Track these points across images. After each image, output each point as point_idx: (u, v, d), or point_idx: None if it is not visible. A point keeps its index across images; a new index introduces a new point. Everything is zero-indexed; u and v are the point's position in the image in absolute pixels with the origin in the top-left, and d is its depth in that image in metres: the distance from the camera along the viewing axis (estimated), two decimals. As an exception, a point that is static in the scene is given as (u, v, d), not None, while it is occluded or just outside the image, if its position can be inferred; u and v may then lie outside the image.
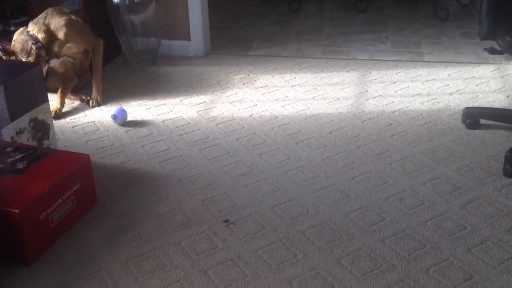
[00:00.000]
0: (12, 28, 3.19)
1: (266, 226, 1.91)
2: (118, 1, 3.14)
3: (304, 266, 1.72)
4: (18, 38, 2.73)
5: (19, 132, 2.17)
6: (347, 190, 2.09)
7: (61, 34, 2.75)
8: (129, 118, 2.70)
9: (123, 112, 2.64)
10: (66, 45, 2.79)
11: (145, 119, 2.70)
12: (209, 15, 3.47)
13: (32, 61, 2.71)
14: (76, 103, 2.89)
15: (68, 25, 2.77)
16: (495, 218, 1.92)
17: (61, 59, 2.81)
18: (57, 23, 2.76)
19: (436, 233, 1.85)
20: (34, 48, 2.69)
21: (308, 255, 1.77)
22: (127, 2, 3.15)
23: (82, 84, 3.01)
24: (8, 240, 1.75)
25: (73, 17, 2.83)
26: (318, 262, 1.74)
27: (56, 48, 2.76)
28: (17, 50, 2.72)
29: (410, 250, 1.78)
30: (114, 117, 2.62)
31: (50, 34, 2.74)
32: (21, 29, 2.77)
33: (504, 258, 1.73)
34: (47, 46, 2.74)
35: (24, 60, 2.72)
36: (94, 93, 2.88)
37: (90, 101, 2.86)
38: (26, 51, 2.70)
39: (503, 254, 1.75)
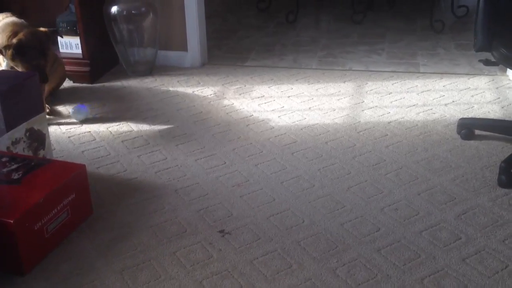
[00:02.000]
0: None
1: (261, 236, 1.91)
2: (115, 12, 3.16)
3: (299, 276, 1.72)
4: None
5: (15, 142, 2.17)
6: (343, 200, 2.10)
7: None
8: (125, 128, 2.71)
9: (84, 108, 2.74)
10: None
11: (141, 129, 2.70)
12: (206, 26, 3.49)
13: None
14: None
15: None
16: (490, 228, 1.92)
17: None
18: None
19: (431, 243, 1.85)
20: None
21: (304, 265, 1.77)
22: (124, 12, 3.17)
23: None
24: (3, 251, 1.74)
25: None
26: (313, 272, 1.74)
27: None
28: None
29: (405, 260, 1.78)
30: (77, 110, 2.71)
31: None
32: None
33: (499, 268, 1.74)
34: None
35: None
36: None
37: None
38: None
39: (498, 264, 1.75)
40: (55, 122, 2.78)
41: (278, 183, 2.22)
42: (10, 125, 2.14)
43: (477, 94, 2.96)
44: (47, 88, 2.82)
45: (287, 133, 2.62)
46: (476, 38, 2.27)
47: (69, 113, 2.69)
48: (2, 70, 2.72)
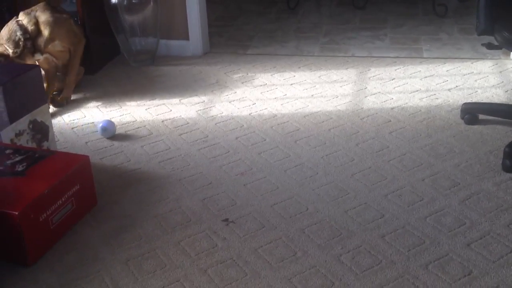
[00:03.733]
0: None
1: (265, 225, 1.92)
2: (116, 1, 3.15)
3: (304, 264, 1.73)
4: (6, 28, 2.67)
5: (19, 134, 2.18)
6: (346, 188, 2.10)
7: (47, 31, 2.70)
8: (129, 119, 2.70)
9: (111, 124, 2.54)
10: (52, 43, 2.75)
11: (144, 119, 2.70)
12: (207, 13, 3.47)
13: (18, 52, 2.65)
14: (75, 104, 2.89)
15: (57, 22, 2.73)
16: (494, 213, 1.92)
17: (45, 55, 2.77)
18: (46, 18, 2.72)
19: (435, 228, 1.85)
20: (22, 39, 2.65)
21: (308, 253, 1.77)
22: (125, 2, 3.15)
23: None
24: (9, 242, 1.75)
25: (64, 15, 2.81)
26: (317, 259, 1.74)
27: (41, 43, 2.72)
28: (4, 39, 2.66)
29: (410, 246, 1.78)
30: (104, 129, 2.51)
31: (38, 28, 2.71)
32: (13, 18, 2.73)
33: (504, 252, 1.74)
34: (34, 39, 2.71)
35: (10, 50, 2.65)
36: (65, 90, 2.85)
37: (60, 98, 2.83)
38: (13, 41, 2.63)
39: (503, 248, 1.75)
40: (59, 113, 2.79)
41: (282, 171, 2.22)
42: (13, 117, 2.14)
43: (480, 79, 2.94)
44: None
45: (290, 121, 2.62)
46: (478, 21, 2.25)
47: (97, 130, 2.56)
48: (4, 62, 2.72)
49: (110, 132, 2.52)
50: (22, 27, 2.67)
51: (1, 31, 2.69)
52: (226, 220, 1.95)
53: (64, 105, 2.84)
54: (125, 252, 1.82)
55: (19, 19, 2.71)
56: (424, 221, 1.89)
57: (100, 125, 2.51)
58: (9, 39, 2.65)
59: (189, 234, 1.89)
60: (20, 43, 2.65)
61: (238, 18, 4.12)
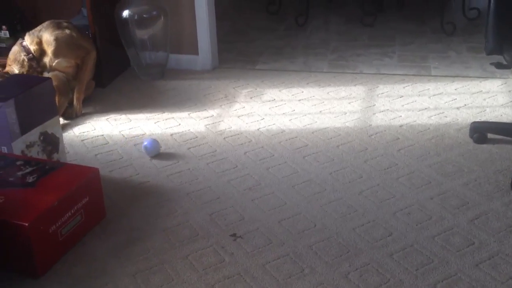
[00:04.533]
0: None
1: (273, 240, 1.92)
2: (127, 16, 3.18)
3: (312, 281, 1.72)
4: (12, 49, 2.77)
5: (29, 146, 2.19)
6: (355, 205, 2.10)
7: (50, 49, 2.78)
8: (138, 132, 2.72)
9: (155, 143, 2.50)
10: (56, 60, 2.81)
11: (153, 132, 2.71)
12: (216, 29, 3.50)
13: (24, 72, 2.73)
14: (85, 117, 2.91)
15: (58, 40, 2.79)
16: (503, 233, 1.91)
17: (53, 72, 2.81)
18: (48, 37, 2.79)
19: (444, 248, 1.85)
20: (26, 59, 2.73)
21: (316, 270, 1.77)
22: (136, 16, 3.19)
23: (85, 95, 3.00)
24: (18, 253, 1.76)
25: (66, 31, 2.84)
26: (325, 276, 1.74)
27: (47, 62, 2.79)
28: (11, 60, 2.74)
29: (418, 265, 1.77)
30: (146, 148, 2.48)
31: (41, 47, 2.78)
32: (19, 40, 2.81)
33: (513, 273, 1.73)
34: (39, 58, 2.77)
35: (16, 71, 2.74)
36: (75, 103, 2.88)
37: (70, 112, 2.86)
38: (18, 61, 2.73)
39: (511, 269, 1.74)
40: (70, 125, 2.81)
41: (290, 186, 2.23)
42: (24, 129, 2.16)
43: (489, 98, 2.95)
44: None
45: (298, 136, 2.63)
46: (487, 40, 2.27)
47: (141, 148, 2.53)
48: (16, 75, 2.76)
49: (153, 151, 2.48)
50: (25, 48, 2.76)
51: (9, 54, 2.80)
52: (234, 235, 1.95)
53: (75, 117, 2.86)
54: (133, 265, 1.82)
55: (23, 40, 2.78)
56: (433, 240, 1.89)
57: (145, 143, 2.48)
58: (14, 60, 2.77)
59: (197, 248, 1.89)
60: (25, 63, 2.74)
61: (247, 34, 4.15)
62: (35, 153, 2.22)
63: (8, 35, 3.35)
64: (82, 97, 2.92)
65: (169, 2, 3.31)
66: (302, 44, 3.88)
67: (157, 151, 2.49)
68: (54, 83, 2.82)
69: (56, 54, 2.79)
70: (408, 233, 1.93)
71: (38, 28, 2.84)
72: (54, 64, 2.81)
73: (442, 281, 1.70)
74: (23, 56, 2.74)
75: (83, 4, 3.22)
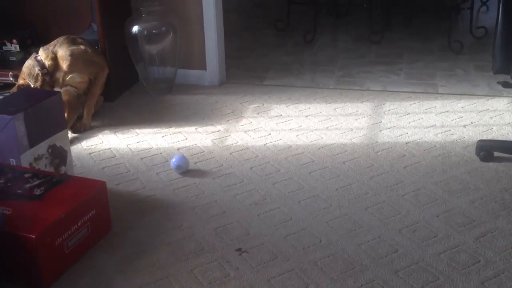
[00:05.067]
0: (33, 56, 3.27)
1: (278, 256, 1.92)
2: (136, 31, 3.22)
3: (316, 297, 1.72)
4: (26, 63, 2.82)
5: (37, 159, 2.21)
6: (360, 221, 2.10)
7: (65, 64, 2.82)
8: (145, 146, 2.74)
9: (183, 160, 2.48)
10: (70, 75, 2.85)
11: (160, 146, 2.73)
12: (224, 45, 3.53)
13: (38, 86, 2.77)
14: (93, 130, 2.93)
15: (73, 55, 2.83)
16: (509, 251, 1.90)
17: (65, 87, 2.85)
18: (63, 52, 2.83)
19: (449, 265, 1.84)
20: (40, 74, 2.77)
21: (321, 286, 1.77)
22: (145, 32, 3.22)
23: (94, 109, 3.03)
24: (24, 265, 1.77)
25: (82, 47, 2.89)
26: (330, 293, 1.74)
27: (60, 77, 2.83)
28: (25, 74, 2.79)
29: (423, 283, 1.77)
30: (178, 167, 2.45)
31: (56, 62, 2.82)
32: (33, 54, 2.86)
33: (519, 292, 1.72)
34: (52, 73, 2.81)
35: (32, 85, 2.78)
36: (84, 117, 2.91)
37: (79, 125, 2.89)
38: (32, 75, 2.78)
39: (518, 288, 1.74)
40: (78, 138, 2.83)
41: (296, 202, 2.23)
42: (33, 142, 2.18)
43: (496, 116, 2.95)
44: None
45: (305, 152, 2.64)
46: (495, 60, 2.28)
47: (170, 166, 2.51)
48: (26, 88, 2.79)
49: (183, 167, 2.47)
50: (40, 63, 2.80)
51: (23, 68, 2.84)
52: (239, 249, 1.96)
53: (83, 131, 2.88)
54: (138, 278, 1.82)
55: (37, 55, 2.82)
56: (438, 258, 1.88)
57: (173, 160, 2.47)
58: (29, 74, 2.81)
59: (202, 262, 1.89)
60: (39, 77, 2.79)
61: (255, 50, 4.18)
62: (43, 165, 2.24)
63: (18, 49, 3.40)
64: (92, 112, 2.95)
65: (178, 18, 3.35)
66: (309, 61, 3.90)
67: (187, 166, 2.47)
68: (65, 97, 2.86)
69: (70, 69, 2.83)
70: (413, 250, 1.92)
71: (53, 43, 2.89)
72: (67, 79, 2.85)
73: (447, 299, 1.70)
74: (37, 70, 2.78)
75: (93, 19, 3.27)
